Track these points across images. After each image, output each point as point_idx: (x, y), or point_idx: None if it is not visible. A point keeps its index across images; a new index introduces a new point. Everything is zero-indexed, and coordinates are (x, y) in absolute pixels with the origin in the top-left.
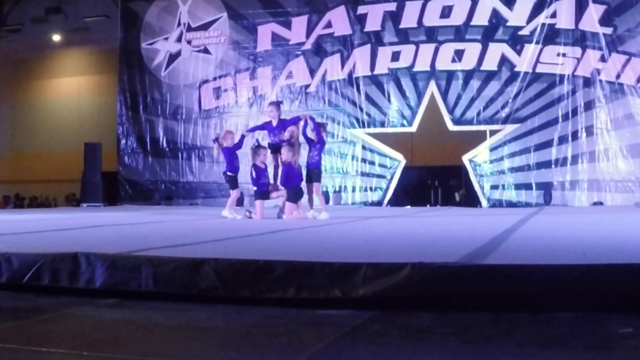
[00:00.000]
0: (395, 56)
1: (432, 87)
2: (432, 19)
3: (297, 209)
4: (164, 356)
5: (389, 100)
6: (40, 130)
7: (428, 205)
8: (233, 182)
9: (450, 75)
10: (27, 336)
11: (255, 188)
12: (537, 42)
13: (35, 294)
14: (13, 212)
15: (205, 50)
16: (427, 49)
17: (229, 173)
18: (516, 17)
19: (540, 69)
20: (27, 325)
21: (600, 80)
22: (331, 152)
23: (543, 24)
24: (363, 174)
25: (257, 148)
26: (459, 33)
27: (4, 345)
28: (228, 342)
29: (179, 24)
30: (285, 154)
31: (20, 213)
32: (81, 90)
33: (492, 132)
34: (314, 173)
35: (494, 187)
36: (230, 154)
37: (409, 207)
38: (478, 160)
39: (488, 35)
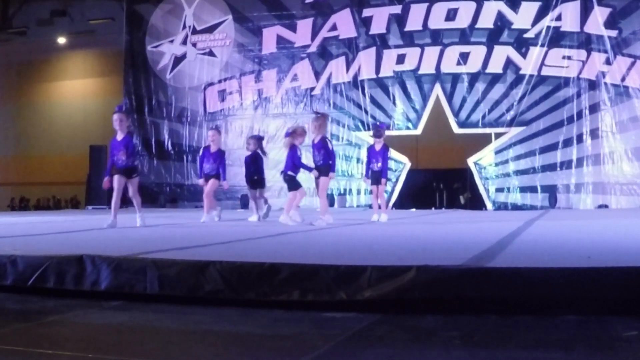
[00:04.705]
0: (401, 59)
1: (437, 90)
2: (437, 21)
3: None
4: (169, 359)
5: (394, 103)
6: (45, 132)
7: (433, 208)
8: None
9: (456, 78)
10: (32, 339)
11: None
12: (542, 45)
13: (41, 297)
14: (18, 215)
15: (211, 53)
16: (432, 52)
17: (289, 172)
18: (521, 20)
19: (545, 71)
20: (33, 328)
21: (605, 83)
22: (336, 155)
23: (548, 27)
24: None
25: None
26: (464, 36)
27: (10, 348)
28: (233, 344)
29: (184, 27)
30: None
31: (25, 215)
32: (86, 93)
33: (497, 135)
34: (380, 175)
35: (499, 189)
36: (295, 153)
37: (414, 209)
38: (483, 163)
39: (493, 38)
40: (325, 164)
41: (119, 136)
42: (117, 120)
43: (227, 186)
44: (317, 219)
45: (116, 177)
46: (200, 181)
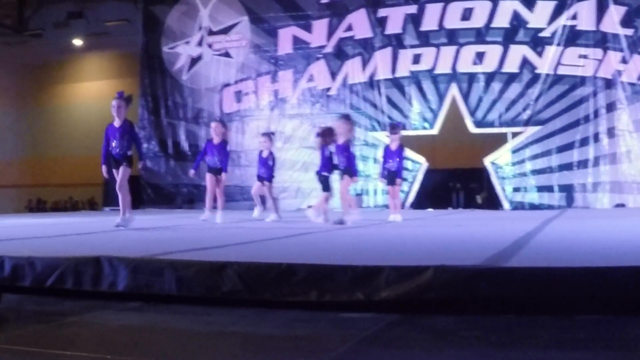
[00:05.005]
0: (417, 59)
1: (454, 90)
2: (452, 21)
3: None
4: None
5: (410, 103)
6: (61, 134)
7: (450, 208)
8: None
9: (472, 77)
10: (50, 340)
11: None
12: (558, 44)
13: (59, 298)
14: (36, 216)
15: (227, 54)
16: (448, 52)
17: (324, 173)
18: (537, 19)
19: (561, 70)
20: (51, 329)
21: (622, 82)
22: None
23: (564, 26)
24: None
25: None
26: (480, 35)
27: (28, 349)
28: (250, 345)
29: (199, 28)
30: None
31: (42, 217)
32: (103, 95)
33: (514, 135)
34: (395, 175)
35: (516, 189)
36: (323, 153)
37: (430, 209)
38: (500, 162)
39: (509, 37)
40: (348, 167)
41: (117, 122)
42: (115, 107)
43: (224, 178)
44: (348, 213)
45: (114, 172)
46: (191, 172)
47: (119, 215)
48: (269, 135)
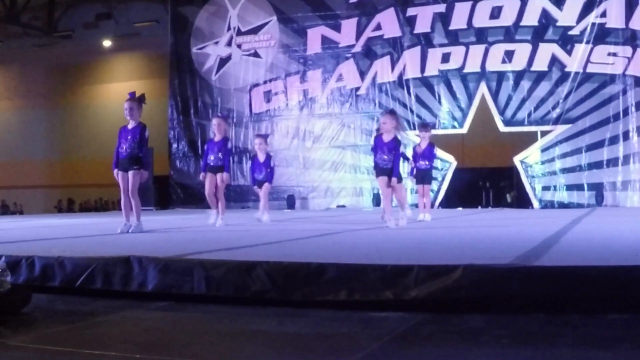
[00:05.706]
0: (446, 58)
1: (483, 89)
2: (481, 19)
3: None
4: (216, 359)
5: (439, 102)
6: (91, 135)
7: (479, 207)
8: None
9: (501, 76)
10: (80, 339)
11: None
12: (588, 42)
13: (88, 298)
14: (65, 217)
15: (256, 54)
16: (477, 50)
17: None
18: (566, 17)
19: (590, 68)
20: (81, 329)
21: None
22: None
23: (593, 24)
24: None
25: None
26: (509, 34)
27: (57, 349)
28: (280, 345)
29: (228, 28)
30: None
31: (72, 217)
32: None
33: (543, 133)
34: (427, 174)
35: (546, 188)
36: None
37: (460, 208)
38: (529, 161)
39: (538, 35)
40: (392, 168)
41: (130, 124)
42: (127, 109)
43: (228, 180)
44: (402, 217)
45: (120, 175)
46: (202, 175)
47: (130, 221)
48: (264, 137)
